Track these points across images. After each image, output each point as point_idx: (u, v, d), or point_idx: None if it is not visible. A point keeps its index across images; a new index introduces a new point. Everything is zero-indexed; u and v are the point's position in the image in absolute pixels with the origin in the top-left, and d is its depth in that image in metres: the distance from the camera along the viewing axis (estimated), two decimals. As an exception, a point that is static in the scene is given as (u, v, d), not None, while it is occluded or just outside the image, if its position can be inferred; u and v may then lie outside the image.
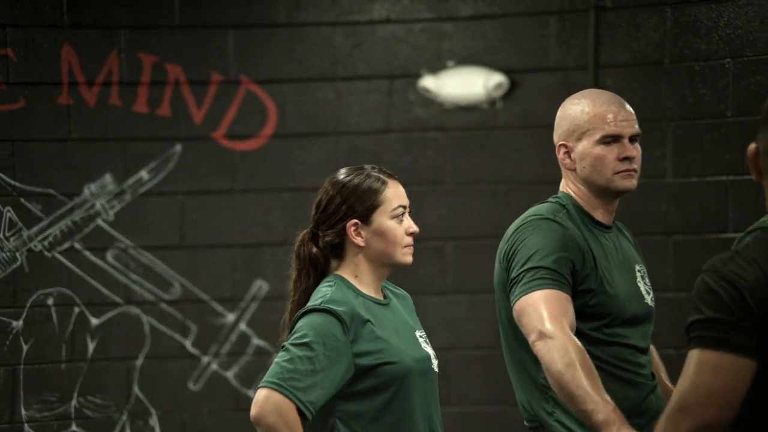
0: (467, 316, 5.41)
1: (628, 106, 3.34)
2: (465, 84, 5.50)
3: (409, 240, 3.14)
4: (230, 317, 5.44)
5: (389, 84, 5.55)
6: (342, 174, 3.15)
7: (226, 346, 5.45)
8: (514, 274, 3.17)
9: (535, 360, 3.12)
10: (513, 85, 5.48)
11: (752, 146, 2.39)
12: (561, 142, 3.34)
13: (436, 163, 5.54)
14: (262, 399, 2.95)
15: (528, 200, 5.31)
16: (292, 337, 3.01)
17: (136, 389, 5.35)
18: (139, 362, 5.35)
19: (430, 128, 5.54)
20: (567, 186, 3.35)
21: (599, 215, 3.32)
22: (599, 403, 2.95)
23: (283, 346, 3.03)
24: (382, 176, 3.15)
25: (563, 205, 3.29)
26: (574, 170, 3.31)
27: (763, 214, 3.18)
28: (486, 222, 5.43)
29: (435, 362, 3.17)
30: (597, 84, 5.24)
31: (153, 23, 5.41)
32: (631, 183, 3.31)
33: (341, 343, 2.99)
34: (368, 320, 3.05)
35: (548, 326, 3.03)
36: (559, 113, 3.39)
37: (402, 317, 3.18)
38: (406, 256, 3.14)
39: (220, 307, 5.45)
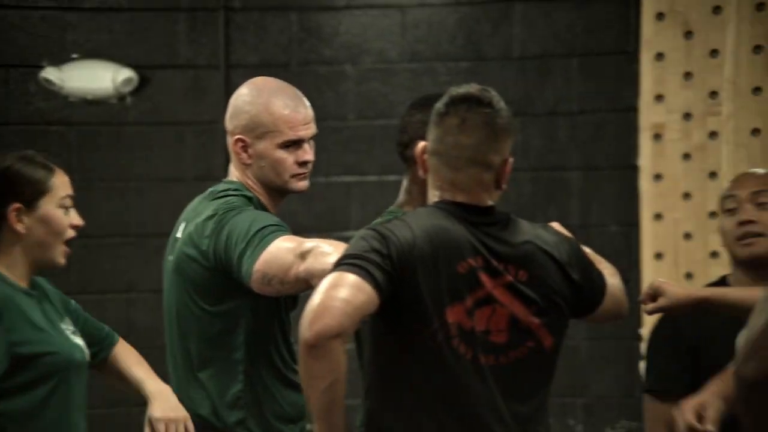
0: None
1: (307, 103, 3.26)
2: (92, 78, 5.37)
3: (72, 233, 3.02)
4: None
5: (5, 73, 5.38)
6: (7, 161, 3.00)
7: None
8: (239, 248, 3.04)
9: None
10: (143, 81, 5.44)
11: (421, 144, 2.64)
12: (238, 136, 3.21)
13: (62, 158, 5.43)
14: None
15: (161, 198, 5.38)
16: None
17: None
18: None
19: (53, 122, 5.42)
20: (242, 178, 3.25)
21: (275, 210, 3.28)
22: None
23: None
24: (49, 163, 3.02)
25: (249, 198, 3.21)
26: (250, 165, 3.22)
27: (381, 212, 3.37)
28: (116, 220, 5.39)
29: (87, 353, 3.08)
30: (228, 84, 5.30)
31: None
32: (305, 184, 3.26)
33: None
34: (24, 310, 2.94)
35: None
36: (235, 102, 3.24)
37: (51, 309, 3.07)
38: (60, 257, 3.03)
39: None
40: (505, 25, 5.45)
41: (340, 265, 2.47)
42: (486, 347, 2.54)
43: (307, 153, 3.24)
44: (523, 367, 2.58)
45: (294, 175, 3.23)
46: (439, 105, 2.61)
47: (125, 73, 5.38)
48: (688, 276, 4.82)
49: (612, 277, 2.75)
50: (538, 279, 2.59)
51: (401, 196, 3.28)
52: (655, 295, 2.94)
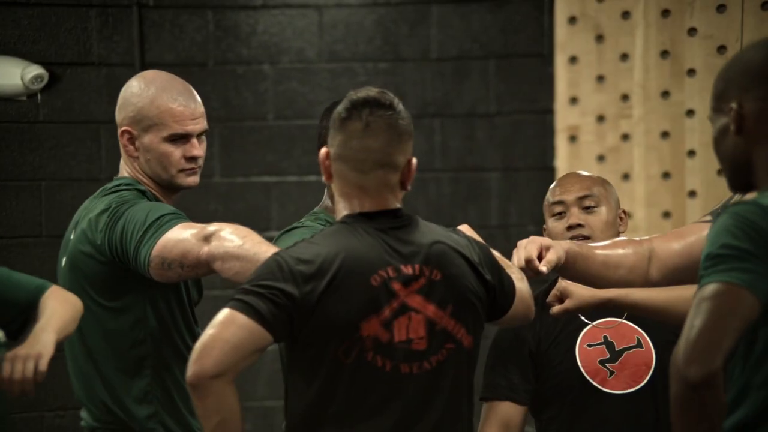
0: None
1: (198, 99, 3.27)
2: (0, 74, 5.26)
3: None
4: None
5: None
6: None
7: None
8: (136, 237, 3.01)
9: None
10: (54, 79, 5.36)
11: (324, 150, 2.64)
12: (125, 128, 3.21)
13: (-30, 156, 5.35)
14: None
15: (73, 197, 5.31)
16: None
17: None
18: None
19: (-42, 120, 5.32)
20: (131, 172, 3.24)
21: (170, 203, 3.25)
22: None
23: None
24: None
25: (142, 191, 3.19)
26: (137, 159, 3.22)
27: (303, 212, 3.37)
28: (28, 220, 5.30)
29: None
30: (144, 83, 5.27)
31: None
32: (194, 180, 3.26)
33: None
34: None
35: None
36: (124, 94, 3.24)
37: None
38: None
39: None
40: (423, 27, 5.48)
41: (234, 299, 2.49)
42: (408, 356, 2.55)
43: (196, 148, 3.22)
44: (445, 369, 2.59)
45: (182, 170, 3.22)
46: (340, 109, 2.62)
47: (35, 70, 5.28)
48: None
49: (520, 282, 2.78)
50: (452, 278, 2.60)
51: (326, 200, 3.29)
52: (562, 296, 2.98)
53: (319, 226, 3.18)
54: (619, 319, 3.28)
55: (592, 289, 2.99)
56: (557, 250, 2.89)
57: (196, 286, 3.31)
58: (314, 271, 2.51)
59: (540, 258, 2.88)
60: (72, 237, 3.18)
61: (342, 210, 2.63)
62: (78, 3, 5.38)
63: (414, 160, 2.65)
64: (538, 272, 2.90)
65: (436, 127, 5.48)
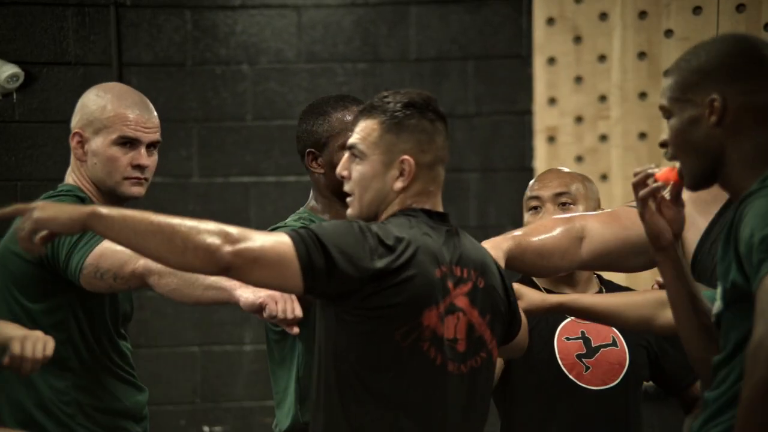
0: None
1: (154, 112, 3.27)
2: (-25, 74, 5.28)
3: None
4: None
5: None
6: None
7: None
8: (69, 243, 3.00)
9: None
10: (30, 78, 5.34)
11: (409, 158, 2.60)
12: (77, 131, 3.22)
13: (-57, 156, 5.31)
14: None
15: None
16: None
17: None
18: None
19: (-71, 119, 5.29)
20: (76, 179, 3.24)
21: None
22: None
23: None
24: None
25: (81, 199, 3.17)
26: (85, 162, 3.21)
27: (282, 213, 3.37)
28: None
29: None
30: (122, 82, 5.24)
31: None
32: (139, 191, 3.23)
33: None
34: None
35: None
36: (81, 101, 3.27)
37: None
38: None
39: None
40: (401, 28, 5.48)
41: (301, 237, 2.45)
42: (454, 355, 2.54)
43: (143, 157, 3.21)
44: (479, 376, 2.59)
45: (127, 178, 3.20)
46: (407, 112, 2.59)
47: (10, 69, 5.26)
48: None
49: (521, 311, 2.79)
50: (491, 289, 2.60)
51: (312, 201, 3.28)
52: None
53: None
54: None
55: (544, 294, 3.00)
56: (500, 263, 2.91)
57: (128, 300, 3.28)
58: (392, 248, 2.47)
59: None
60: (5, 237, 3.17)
61: (401, 205, 2.59)
62: (55, 2, 5.35)
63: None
64: None
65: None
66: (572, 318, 3.26)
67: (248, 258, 2.39)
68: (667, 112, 2.35)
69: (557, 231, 3.00)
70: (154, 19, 5.40)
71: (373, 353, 2.48)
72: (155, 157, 3.27)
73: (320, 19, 5.49)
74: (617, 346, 3.27)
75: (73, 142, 3.22)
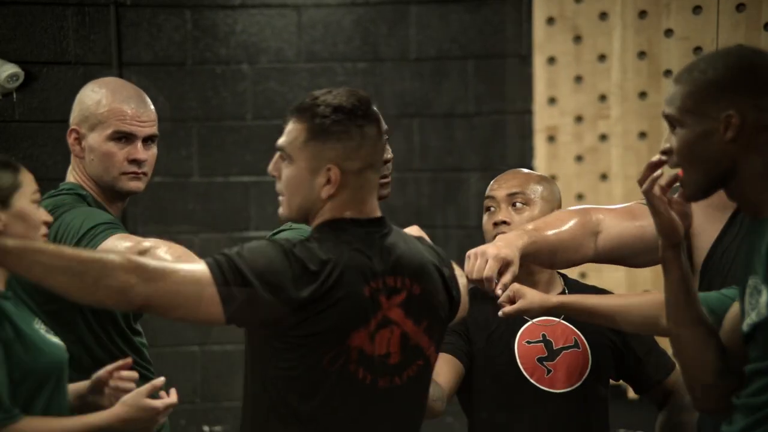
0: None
1: (150, 106, 3.26)
2: (-25, 73, 5.28)
3: (45, 230, 2.82)
4: None
5: None
6: None
7: None
8: (70, 243, 2.98)
9: None
10: (30, 77, 5.33)
11: (334, 167, 2.52)
12: (74, 127, 3.22)
13: (-56, 156, 5.29)
14: None
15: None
16: None
17: None
18: None
19: (-70, 119, 5.29)
20: (77, 177, 3.23)
21: (114, 210, 3.25)
22: None
23: None
24: (11, 160, 2.88)
25: (83, 196, 3.17)
26: (83, 159, 3.21)
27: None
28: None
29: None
30: (122, 82, 5.25)
31: None
32: (137, 185, 3.22)
33: None
34: (8, 317, 2.72)
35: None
36: (78, 97, 3.27)
37: (25, 309, 2.89)
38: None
39: None
40: (401, 27, 5.48)
41: (218, 263, 2.39)
42: (385, 371, 2.51)
43: (139, 152, 3.20)
44: (414, 385, 2.56)
45: (124, 173, 3.20)
46: (334, 118, 2.50)
47: (10, 69, 5.26)
48: (582, 277, 4.88)
49: (462, 281, 2.74)
50: (428, 294, 2.55)
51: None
52: (513, 298, 2.99)
53: (307, 229, 3.18)
54: (557, 319, 3.26)
55: (544, 294, 2.99)
56: (514, 268, 2.91)
57: None
58: (317, 273, 2.42)
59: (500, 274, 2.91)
60: None
61: (331, 213, 2.53)
62: (54, 1, 5.35)
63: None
64: (493, 293, 2.93)
65: (414, 127, 5.48)
66: (533, 321, 3.25)
67: (164, 296, 2.33)
68: (675, 122, 2.32)
69: (572, 223, 2.99)
70: (154, 19, 5.40)
71: (301, 379, 2.44)
72: (154, 151, 3.25)
73: (320, 19, 5.49)
74: (579, 348, 3.25)
75: (71, 139, 3.22)
